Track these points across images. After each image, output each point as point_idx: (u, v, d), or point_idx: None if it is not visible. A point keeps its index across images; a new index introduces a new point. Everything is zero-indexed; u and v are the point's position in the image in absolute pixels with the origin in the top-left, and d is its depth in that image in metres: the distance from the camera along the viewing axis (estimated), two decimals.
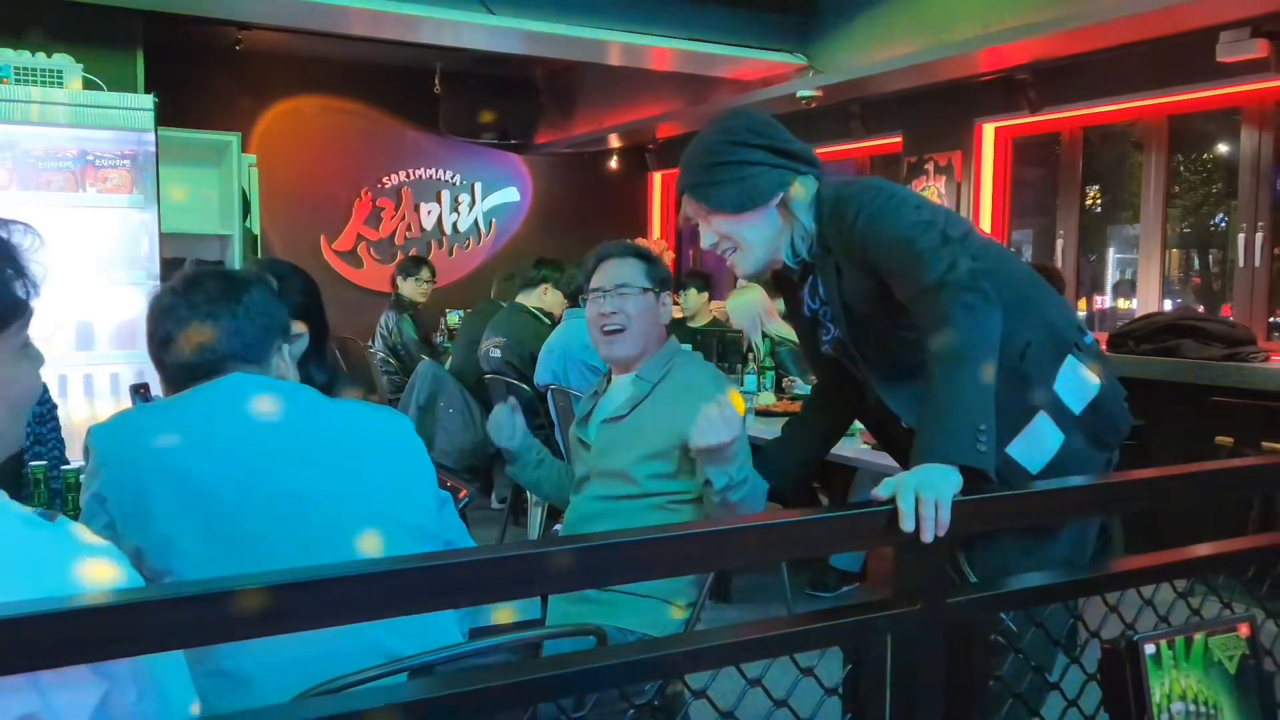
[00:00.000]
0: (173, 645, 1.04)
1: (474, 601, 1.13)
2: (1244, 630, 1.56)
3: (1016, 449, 1.81)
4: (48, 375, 2.15)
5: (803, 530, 1.35)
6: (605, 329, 2.37)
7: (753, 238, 1.92)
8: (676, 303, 6.94)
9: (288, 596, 0.97)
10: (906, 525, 1.38)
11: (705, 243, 1.97)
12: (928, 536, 1.38)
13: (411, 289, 6.17)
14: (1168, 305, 5.69)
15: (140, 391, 2.19)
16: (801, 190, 1.89)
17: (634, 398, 2.35)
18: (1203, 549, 1.71)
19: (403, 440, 1.60)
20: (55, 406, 2.51)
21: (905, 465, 2.09)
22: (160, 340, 1.54)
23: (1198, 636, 1.52)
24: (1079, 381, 1.84)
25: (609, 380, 2.49)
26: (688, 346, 4.67)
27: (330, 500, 1.44)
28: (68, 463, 2.54)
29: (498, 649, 1.32)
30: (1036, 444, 1.82)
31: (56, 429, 2.44)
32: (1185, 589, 1.69)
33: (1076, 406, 1.84)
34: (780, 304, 5.34)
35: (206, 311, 1.51)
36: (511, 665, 1.33)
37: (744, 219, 1.90)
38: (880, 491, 1.41)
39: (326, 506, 1.43)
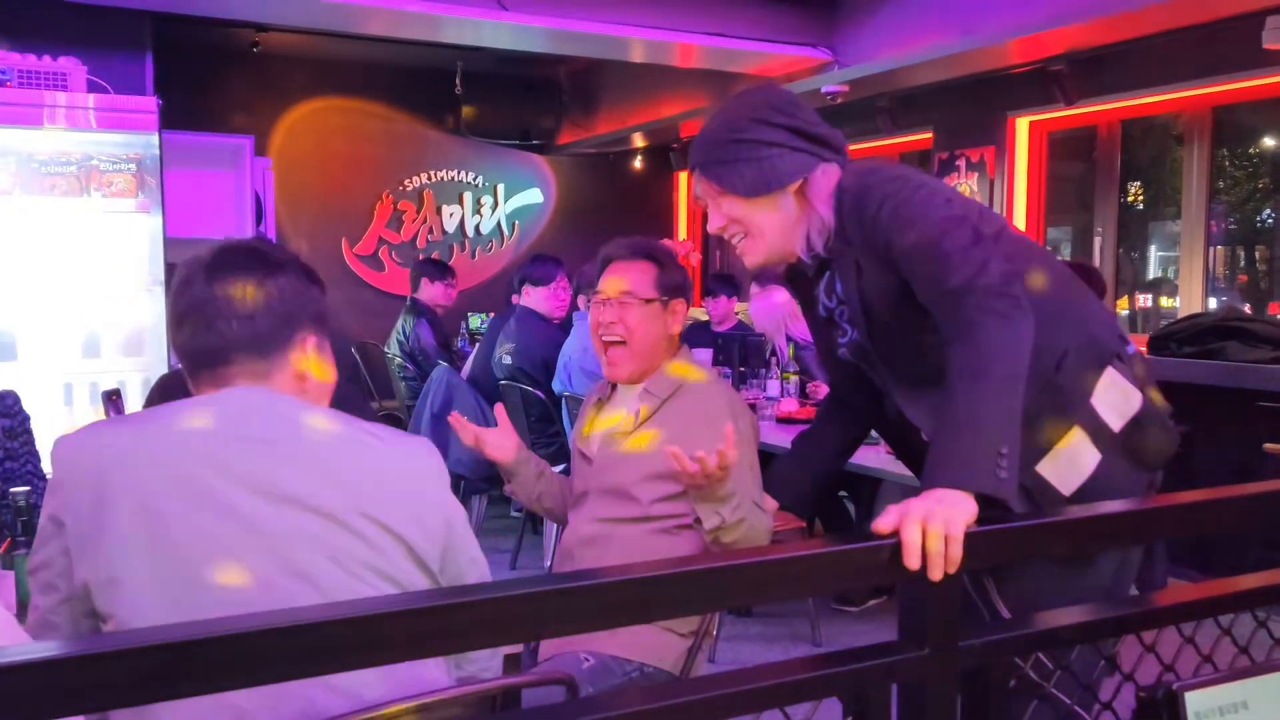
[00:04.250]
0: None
1: (433, 652, 0.99)
2: None
3: (1048, 468, 1.64)
4: (52, 384, 2.06)
5: (798, 568, 1.19)
6: (604, 339, 2.22)
7: (765, 224, 1.75)
8: (700, 305, 6.79)
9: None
10: (912, 562, 1.22)
11: (712, 226, 1.80)
12: (936, 574, 1.22)
13: (440, 293, 6.02)
14: (1212, 304, 5.47)
15: (112, 398, 2.07)
16: (824, 179, 1.73)
17: (640, 414, 2.19)
18: (1255, 579, 1.53)
19: (420, 483, 1.39)
20: (28, 418, 2.40)
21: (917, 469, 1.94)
22: (173, 315, 1.39)
23: (1249, 682, 1.36)
24: (1119, 395, 1.66)
25: (613, 389, 2.32)
26: (707, 353, 4.50)
27: (310, 547, 1.26)
28: (44, 478, 2.45)
29: (464, 701, 1.19)
30: (1070, 463, 1.65)
31: (30, 442, 2.34)
32: (1229, 623, 1.52)
33: (1116, 423, 1.65)
34: None
35: (224, 290, 1.36)
36: None
37: (757, 203, 1.73)
38: (882, 524, 1.25)
39: (304, 555, 1.25)
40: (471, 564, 1.45)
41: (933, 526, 1.23)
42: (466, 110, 7.95)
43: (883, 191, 1.67)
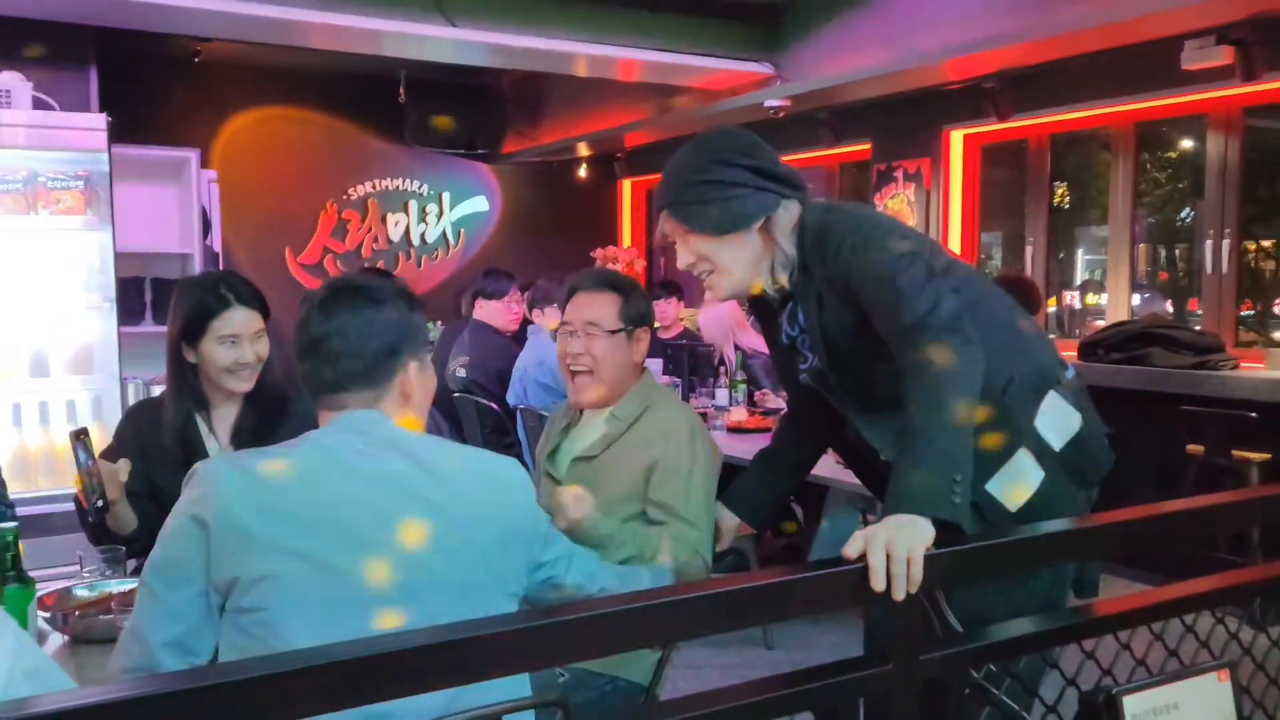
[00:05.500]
0: None
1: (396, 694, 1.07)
2: (1223, 677, 1.53)
3: (996, 486, 1.77)
4: (1, 403, 2.06)
5: (768, 594, 1.29)
6: (572, 369, 2.29)
7: (732, 261, 1.85)
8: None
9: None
10: (877, 583, 1.33)
11: (682, 263, 1.90)
12: (899, 595, 1.33)
13: None
14: (1138, 300, 5.71)
15: (80, 437, 2.09)
16: (785, 216, 1.83)
17: (607, 437, 2.27)
18: (1182, 588, 1.67)
19: (512, 497, 1.58)
20: None
21: (882, 498, 2.05)
22: (296, 351, 1.57)
23: (1179, 685, 1.48)
24: (1060, 418, 1.80)
25: (580, 412, 2.40)
26: (657, 362, 4.60)
27: (420, 569, 1.44)
28: (12, 505, 2.45)
29: None
30: (1016, 481, 1.77)
31: None
32: (1160, 630, 1.65)
33: (1057, 443, 1.79)
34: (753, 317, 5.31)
35: (336, 327, 1.53)
36: None
37: (724, 241, 1.84)
38: (850, 550, 1.36)
39: (417, 578, 1.43)
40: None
41: (896, 551, 1.34)
42: (411, 119, 7.96)
43: (843, 229, 1.78)
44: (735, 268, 1.86)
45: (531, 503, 1.60)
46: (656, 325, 6.28)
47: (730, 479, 2.26)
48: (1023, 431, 1.78)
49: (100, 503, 2.07)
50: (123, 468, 2.15)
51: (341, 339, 1.52)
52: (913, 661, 1.37)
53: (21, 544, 1.82)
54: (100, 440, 2.29)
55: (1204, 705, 1.50)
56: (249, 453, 1.53)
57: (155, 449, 2.32)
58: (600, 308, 2.28)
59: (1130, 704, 1.43)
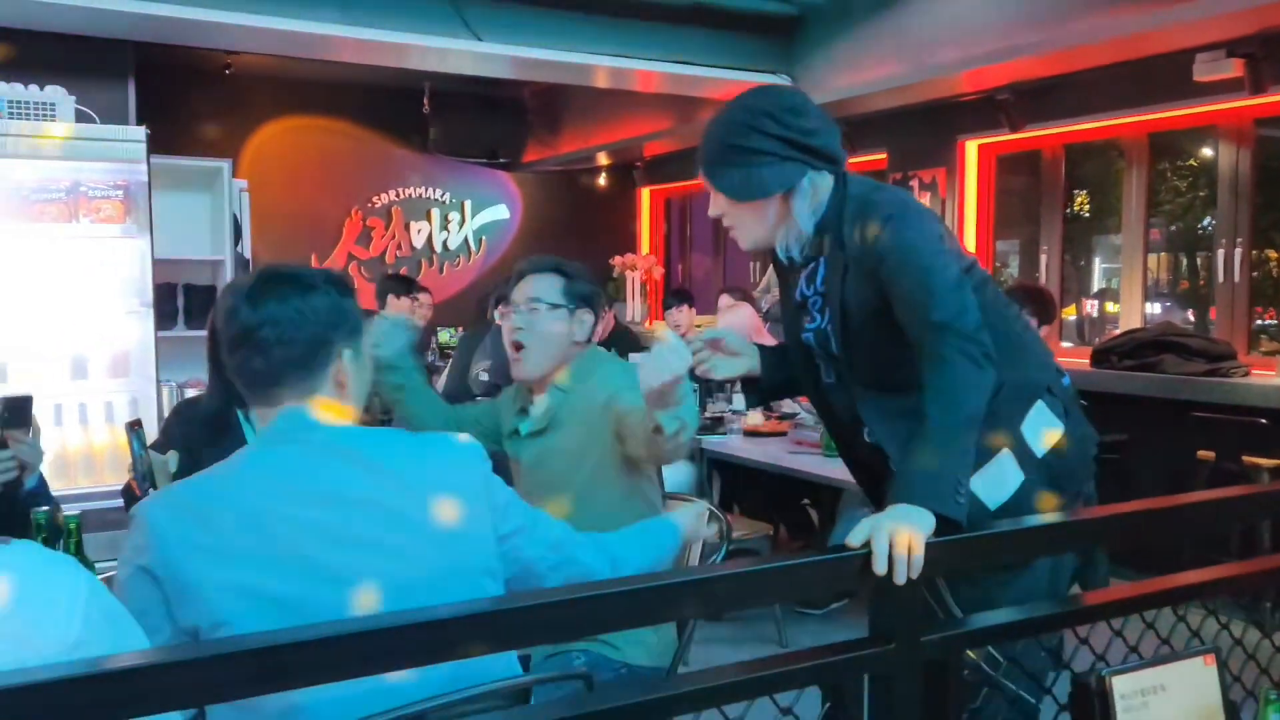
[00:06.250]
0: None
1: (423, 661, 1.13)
2: (1209, 661, 1.62)
3: (978, 483, 1.82)
4: (41, 406, 2.18)
5: (779, 577, 1.40)
6: (511, 340, 2.38)
7: (750, 223, 1.91)
8: (661, 319, 6.99)
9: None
10: (879, 567, 1.43)
11: (711, 212, 1.95)
12: (900, 579, 1.43)
13: (396, 308, 6.13)
14: (1156, 309, 5.78)
15: (134, 428, 2.22)
16: (812, 188, 1.85)
17: (551, 407, 2.36)
18: (1172, 580, 1.76)
19: (464, 473, 1.54)
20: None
21: (853, 470, 2.11)
22: (224, 343, 1.50)
23: (1167, 668, 1.57)
24: (1045, 425, 1.86)
25: (531, 393, 2.44)
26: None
27: (377, 585, 1.38)
28: (50, 499, 2.57)
29: (487, 696, 1.36)
30: (997, 481, 1.84)
31: None
32: (1153, 618, 1.74)
33: (1040, 450, 1.85)
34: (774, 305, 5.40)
35: (267, 316, 1.46)
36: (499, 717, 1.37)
37: (742, 206, 1.89)
38: (854, 538, 1.46)
39: (379, 580, 1.38)
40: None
41: (899, 538, 1.44)
42: (434, 128, 8.11)
43: (888, 210, 1.80)
44: (753, 229, 1.92)
45: (485, 474, 1.57)
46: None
47: (741, 482, 2.33)
48: (1009, 434, 1.84)
49: (150, 490, 2.20)
50: (171, 459, 2.27)
51: (272, 328, 1.46)
52: (915, 643, 1.47)
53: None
54: (151, 436, 2.42)
55: (1190, 688, 1.59)
56: (188, 487, 1.44)
57: (199, 443, 2.45)
58: (543, 286, 2.36)
59: (1119, 684, 1.52)
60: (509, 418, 2.48)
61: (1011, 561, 1.85)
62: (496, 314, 2.39)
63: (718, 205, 1.92)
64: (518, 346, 2.35)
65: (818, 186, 1.86)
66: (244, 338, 1.47)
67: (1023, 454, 1.85)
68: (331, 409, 1.49)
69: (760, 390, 2.13)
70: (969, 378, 1.68)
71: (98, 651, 1.10)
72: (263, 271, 1.53)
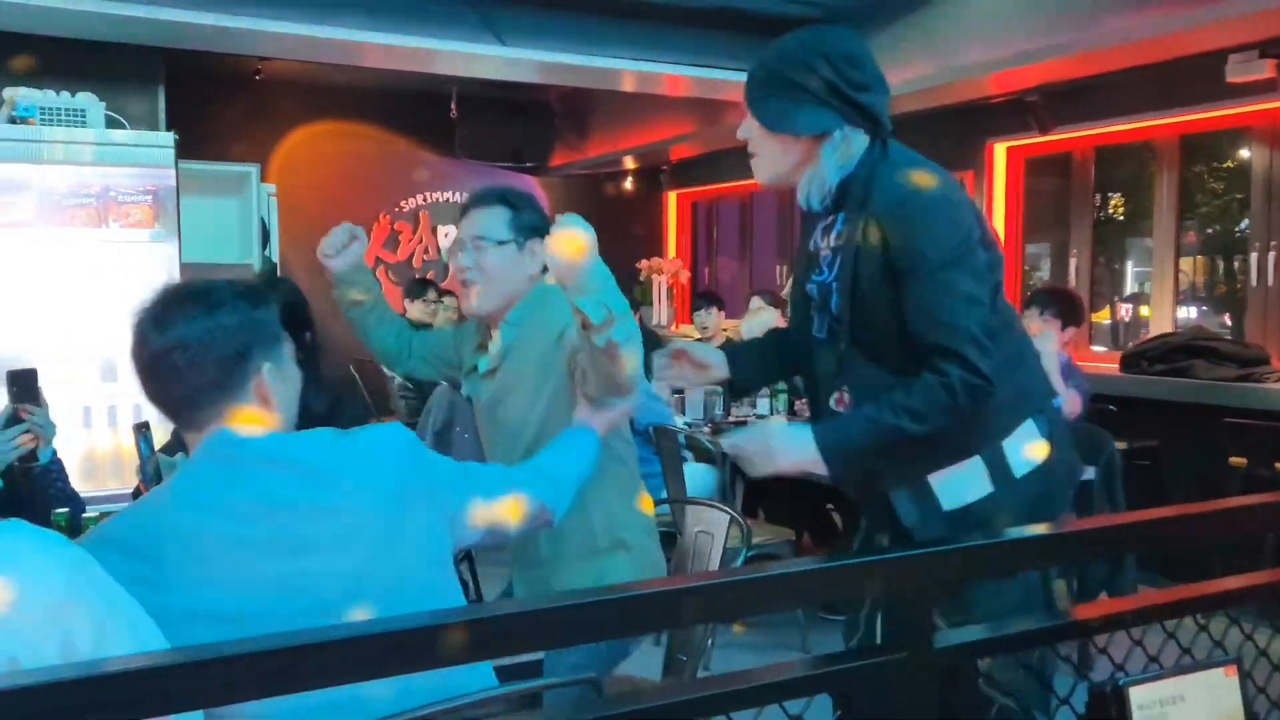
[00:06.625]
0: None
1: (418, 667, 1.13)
2: (1230, 672, 1.59)
3: (937, 481, 1.81)
4: (72, 408, 2.21)
5: (785, 584, 1.38)
6: (459, 279, 2.25)
7: (770, 155, 1.88)
8: (689, 322, 6.98)
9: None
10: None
11: (740, 133, 1.92)
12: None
13: (419, 311, 6.20)
14: (1191, 313, 5.70)
15: (142, 430, 2.24)
16: (843, 143, 1.81)
17: (505, 346, 2.22)
18: (1191, 589, 1.72)
19: (398, 462, 1.51)
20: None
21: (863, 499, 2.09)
22: (139, 374, 1.45)
23: (1186, 679, 1.55)
24: (1029, 444, 1.82)
25: (490, 331, 2.31)
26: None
27: (327, 584, 1.36)
28: (76, 499, 2.61)
29: (495, 700, 1.36)
30: (961, 484, 1.81)
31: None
32: (1174, 627, 1.71)
33: (1019, 469, 1.82)
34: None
35: (173, 340, 1.39)
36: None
37: (770, 137, 1.86)
38: (725, 442, 1.61)
39: (324, 595, 1.35)
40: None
41: (756, 461, 1.64)
42: (461, 132, 8.16)
43: (917, 199, 1.76)
44: (774, 163, 1.89)
45: (421, 457, 1.54)
46: (699, 336, 6.31)
47: (764, 487, 2.34)
48: (987, 445, 1.81)
49: None
50: (180, 461, 2.29)
51: (182, 352, 1.39)
52: (926, 650, 1.45)
53: None
54: (160, 439, 2.44)
55: (1211, 699, 1.56)
56: (120, 522, 1.39)
57: None
58: (490, 220, 2.21)
59: (1137, 695, 1.49)
60: (468, 354, 2.36)
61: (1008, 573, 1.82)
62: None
63: (748, 129, 1.89)
64: (467, 285, 2.23)
65: (850, 142, 1.81)
66: (155, 364, 1.41)
67: (999, 469, 1.81)
68: (258, 421, 1.44)
69: (734, 389, 2.15)
70: (945, 409, 1.71)
71: (83, 617, 1.09)
72: (167, 290, 1.47)
